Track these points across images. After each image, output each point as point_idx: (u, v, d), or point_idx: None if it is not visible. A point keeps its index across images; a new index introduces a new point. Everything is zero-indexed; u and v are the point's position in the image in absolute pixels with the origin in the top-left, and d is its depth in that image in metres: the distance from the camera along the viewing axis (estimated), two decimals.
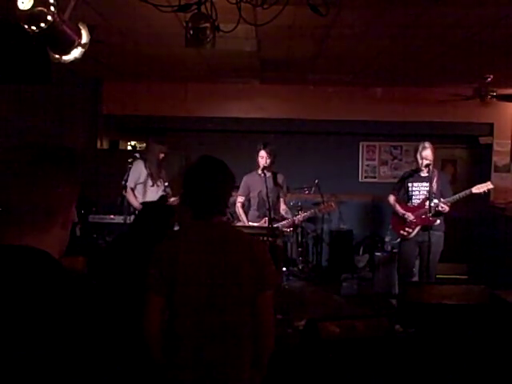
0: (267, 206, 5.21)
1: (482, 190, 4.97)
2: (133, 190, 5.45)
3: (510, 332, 3.73)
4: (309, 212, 5.79)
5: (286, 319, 4.88)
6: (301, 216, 5.73)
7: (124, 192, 5.23)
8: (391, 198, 5.43)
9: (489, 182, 5.04)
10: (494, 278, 6.06)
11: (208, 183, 2.08)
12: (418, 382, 3.47)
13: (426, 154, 5.09)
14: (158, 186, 5.61)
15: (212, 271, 1.98)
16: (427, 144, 5.14)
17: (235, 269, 2.00)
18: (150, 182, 5.52)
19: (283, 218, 5.53)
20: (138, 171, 5.43)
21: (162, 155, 5.57)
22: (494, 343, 3.66)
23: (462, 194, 5.04)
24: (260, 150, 5.37)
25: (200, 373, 1.96)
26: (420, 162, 5.15)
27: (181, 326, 1.99)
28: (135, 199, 5.48)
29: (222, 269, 1.99)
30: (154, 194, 5.61)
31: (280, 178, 5.51)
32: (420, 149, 5.15)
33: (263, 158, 5.34)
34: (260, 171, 5.39)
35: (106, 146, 7.65)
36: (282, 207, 5.58)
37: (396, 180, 5.91)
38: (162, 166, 5.64)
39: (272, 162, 5.36)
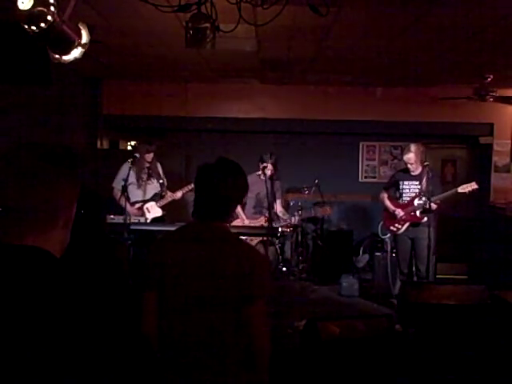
0: (265, 206, 5.37)
1: (467, 190, 5.22)
2: (121, 190, 5.41)
3: (510, 332, 3.73)
4: (304, 214, 6.10)
5: (285, 319, 4.88)
6: (297, 218, 5.96)
7: (117, 194, 5.27)
8: (383, 195, 5.73)
9: (473, 183, 5.27)
10: (494, 278, 6.06)
11: (215, 185, 2.01)
12: (417, 382, 3.47)
13: (408, 157, 5.35)
14: (148, 185, 5.61)
15: (200, 274, 1.96)
16: (411, 147, 5.35)
17: (223, 274, 1.95)
18: (136, 183, 5.54)
19: (279, 219, 5.82)
20: (123, 172, 5.43)
21: (149, 155, 5.57)
22: (494, 343, 3.66)
23: (449, 193, 5.30)
24: (267, 163, 5.49)
25: (185, 373, 1.95)
26: (405, 162, 5.43)
27: (167, 326, 1.99)
28: (125, 200, 5.41)
29: (208, 270, 1.96)
30: (146, 193, 5.63)
31: (278, 184, 5.72)
32: (404, 151, 5.44)
33: (269, 170, 5.53)
34: (262, 176, 5.50)
35: (106, 145, 7.64)
36: (279, 209, 5.90)
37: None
38: (154, 165, 5.65)
39: (276, 171, 5.58)
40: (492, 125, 7.18)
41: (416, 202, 5.35)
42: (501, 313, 3.99)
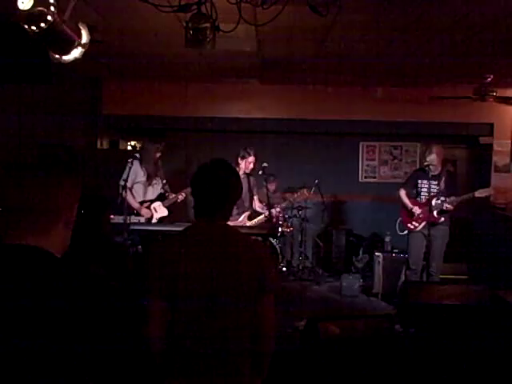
0: (247, 205, 5.37)
1: (484, 195, 5.39)
2: (130, 190, 5.44)
3: (511, 332, 3.73)
4: (284, 203, 6.15)
5: (285, 319, 4.88)
6: (278, 208, 6.02)
7: (124, 192, 5.24)
8: (402, 192, 5.78)
9: (491, 188, 5.55)
10: (494, 278, 6.06)
11: (219, 185, 2.03)
12: (418, 382, 3.47)
13: (431, 158, 5.48)
14: (155, 184, 5.63)
15: (213, 273, 1.94)
16: (434, 149, 5.51)
17: (236, 271, 1.96)
18: (146, 182, 5.53)
19: (258, 213, 5.80)
20: (134, 171, 5.42)
21: (158, 154, 5.58)
22: (494, 343, 3.66)
23: (466, 196, 5.40)
24: (250, 155, 5.44)
25: (200, 376, 1.93)
26: (424, 164, 5.56)
27: (181, 329, 1.95)
28: (133, 199, 5.47)
29: (223, 270, 1.95)
30: (152, 192, 5.63)
31: (253, 180, 5.73)
32: (426, 153, 5.58)
33: (251, 163, 5.46)
34: (243, 173, 5.44)
35: (106, 146, 7.64)
36: (258, 205, 5.86)
37: (397, 180, 6.45)
38: (159, 164, 5.65)
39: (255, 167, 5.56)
40: (492, 125, 7.18)
41: (434, 202, 5.45)
42: (501, 313, 3.99)
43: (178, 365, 1.94)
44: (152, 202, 5.62)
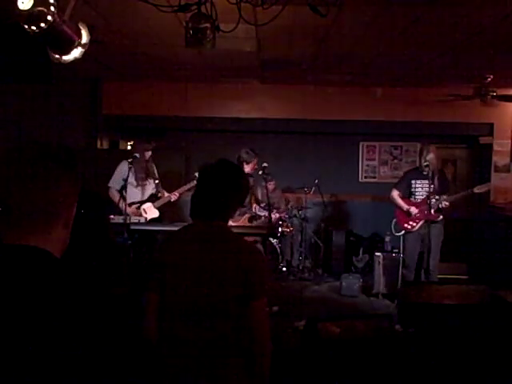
0: (248, 206, 5.41)
1: (483, 190, 5.40)
2: (119, 190, 5.31)
3: (511, 332, 3.73)
4: (282, 211, 6.50)
5: (285, 319, 4.88)
6: (277, 214, 6.28)
7: (117, 193, 5.20)
8: (395, 193, 5.75)
9: (489, 183, 5.51)
10: (494, 277, 6.06)
11: (217, 185, 2.04)
12: (418, 382, 3.47)
13: (431, 157, 5.45)
14: (145, 185, 5.51)
15: (200, 273, 1.96)
16: (431, 148, 5.51)
17: (223, 273, 1.95)
18: (134, 183, 5.44)
19: (259, 216, 5.86)
20: (121, 172, 5.34)
21: (148, 154, 5.49)
22: (494, 343, 3.66)
23: (464, 193, 5.46)
24: (255, 156, 5.39)
25: (185, 374, 1.93)
26: (424, 163, 5.48)
27: (168, 327, 1.98)
28: (119, 200, 5.27)
29: (210, 272, 1.96)
30: (143, 193, 5.54)
31: (252, 182, 5.65)
32: (425, 153, 5.52)
33: (256, 163, 5.41)
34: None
35: (106, 146, 7.65)
36: (255, 206, 5.90)
37: (397, 180, 6.20)
38: (150, 165, 5.57)
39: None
40: (492, 125, 7.18)
41: (430, 200, 5.46)
42: (501, 313, 3.99)
43: (169, 361, 1.97)
44: (142, 203, 5.52)
